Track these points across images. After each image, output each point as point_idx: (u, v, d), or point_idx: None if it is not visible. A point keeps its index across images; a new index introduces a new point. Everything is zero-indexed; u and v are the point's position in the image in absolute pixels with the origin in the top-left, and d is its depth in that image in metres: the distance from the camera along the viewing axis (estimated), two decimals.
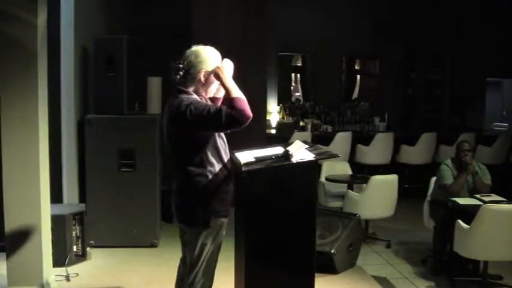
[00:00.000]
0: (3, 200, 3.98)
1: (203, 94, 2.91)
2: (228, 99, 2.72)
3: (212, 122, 2.70)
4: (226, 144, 2.98)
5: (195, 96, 2.84)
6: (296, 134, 7.84)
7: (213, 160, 2.83)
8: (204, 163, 2.81)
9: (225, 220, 2.92)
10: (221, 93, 3.03)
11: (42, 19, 3.89)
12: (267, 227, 2.94)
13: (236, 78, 2.93)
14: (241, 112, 2.67)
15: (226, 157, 2.92)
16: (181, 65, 2.86)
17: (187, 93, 2.84)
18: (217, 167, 2.83)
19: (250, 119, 2.69)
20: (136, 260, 4.95)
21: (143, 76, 5.67)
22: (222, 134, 2.93)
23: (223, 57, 2.93)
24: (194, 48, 2.89)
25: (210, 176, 2.81)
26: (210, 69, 2.84)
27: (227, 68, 2.90)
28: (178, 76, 2.85)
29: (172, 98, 2.86)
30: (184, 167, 2.84)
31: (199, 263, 2.88)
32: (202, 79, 2.85)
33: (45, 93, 4.07)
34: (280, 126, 8.79)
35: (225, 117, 2.66)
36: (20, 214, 3.93)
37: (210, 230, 2.85)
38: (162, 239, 5.38)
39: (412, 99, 10.11)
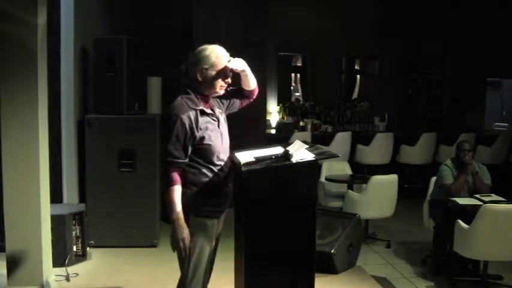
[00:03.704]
0: (3, 200, 3.98)
1: (207, 93, 2.90)
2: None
3: (162, 149, 2.83)
4: (227, 145, 2.97)
5: (192, 97, 2.84)
6: (296, 134, 7.84)
7: (197, 164, 2.83)
8: (190, 163, 2.82)
9: (204, 220, 2.88)
10: (252, 85, 3.06)
11: (42, 19, 3.89)
12: (267, 227, 2.93)
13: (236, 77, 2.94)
14: (166, 177, 2.79)
15: (217, 162, 2.88)
16: (183, 66, 2.89)
17: (188, 93, 2.85)
18: (203, 169, 2.84)
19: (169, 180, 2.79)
20: (136, 260, 4.95)
21: (143, 76, 5.67)
22: (222, 139, 2.92)
23: None
24: (198, 48, 2.90)
25: (194, 177, 2.82)
26: (205, 66, 2.83)
27: (238, 65, 2.90)
28: (182, 77, 2.89)
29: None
30: None
31: (186, 262, 2.87)
32: (200, 78, 2.85)
33: (45, 93, 4.07)
34: (280, 126, 8.80)
35: (163, 162, 2.81)
36: (20, 214, 3.93)
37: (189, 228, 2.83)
38: (162, 239, 5.38)
39: (412, 99, 10.11)
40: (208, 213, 2.88)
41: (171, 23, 7.14)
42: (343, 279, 4.62)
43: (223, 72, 2.87)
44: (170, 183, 2.76)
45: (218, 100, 3.01)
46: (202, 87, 2.88)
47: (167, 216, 2.94)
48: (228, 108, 3.07)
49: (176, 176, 2.77)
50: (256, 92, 3.14)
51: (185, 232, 2.77)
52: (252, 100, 3.17)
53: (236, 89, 3.08)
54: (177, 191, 2.76)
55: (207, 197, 2.86)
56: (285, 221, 2.94)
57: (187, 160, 2.80)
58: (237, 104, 3.11)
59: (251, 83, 3.06)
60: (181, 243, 2.78)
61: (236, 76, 2.99)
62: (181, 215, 2.76)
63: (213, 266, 3.07)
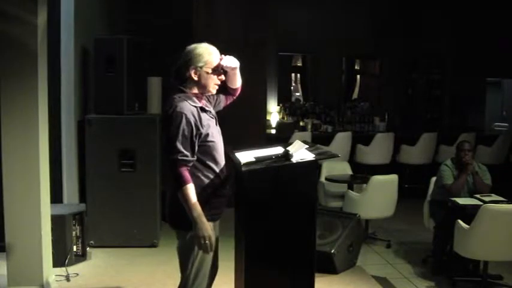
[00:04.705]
0: (3, 200, 3.98)
1: (201, 92, 2.86)
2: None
3: (167, 149, 2.73)
4: (222, 144, 2.94)
5: (189, 95, 2.81)
6: (296, 134, 7.84)
7: (201, 164, 2.79)
8: (194, 164, 2.77)
9: (212, 224, 2.83)
10: (238, 83, 3.05)
11: (42, 19, 3.89)
12: (267, 227, 2.93)
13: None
14: (177, 176, 2.68)
15: (220, 162, 2.87)
16: (174, 67, 2.86)
17: (183, 91, 2.82)
18: (206, 171, 2.80)
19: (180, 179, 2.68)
20: (136, 260, 4.95)
21: (143, 76, 5.67)
22: (220, 138, 2.91)
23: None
24: (188, 47, 2.87)
25: (197, 179, 2.76)
26: (199, 65, 2.80)
27: (231, 63, 2.88)
28: (172, 77, 2.86)
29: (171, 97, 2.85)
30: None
31: (189, 266, 2.83)
32: (194, 77, 2.82)
33: (45, 93, 4.07)
34: (280, 126, 8.79)
35: (172, 161, 2.68)
36: (20, 214, 3.93)
37: (192, 232, 2.76)
38: (162, 239, 5.38)
39: (412, 99, 10.11)
40: (210, 216, 2.84)
41: (171, 23, 7.14)
42: (343, 279, 4.62)
43: (217, 70, 2.85)
44: (184, 182, 2.66)
45: (205, 98, 2.96)
46: (196, 86, 2.84)
47: (170, 217, 2.92)
48: (215, 106, 3.04)
49: (188, 174, 2.68)
50: (239, 90, 3.12)
51: (209, 229, 2.70)
52: (235, 98, 3.15)
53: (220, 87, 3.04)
54: (192, 189, 2.67)
55: (210, 199, 2.82)
56: (285, 220, 2.94)
57: (195, 158, 2.74)
58: (222, 102, 3.09)
59: (238, 81, 3.05)
60: (207, 241, 2.69)
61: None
62: (202, 213, 2.68)
63: (216, 271, 3.03)
